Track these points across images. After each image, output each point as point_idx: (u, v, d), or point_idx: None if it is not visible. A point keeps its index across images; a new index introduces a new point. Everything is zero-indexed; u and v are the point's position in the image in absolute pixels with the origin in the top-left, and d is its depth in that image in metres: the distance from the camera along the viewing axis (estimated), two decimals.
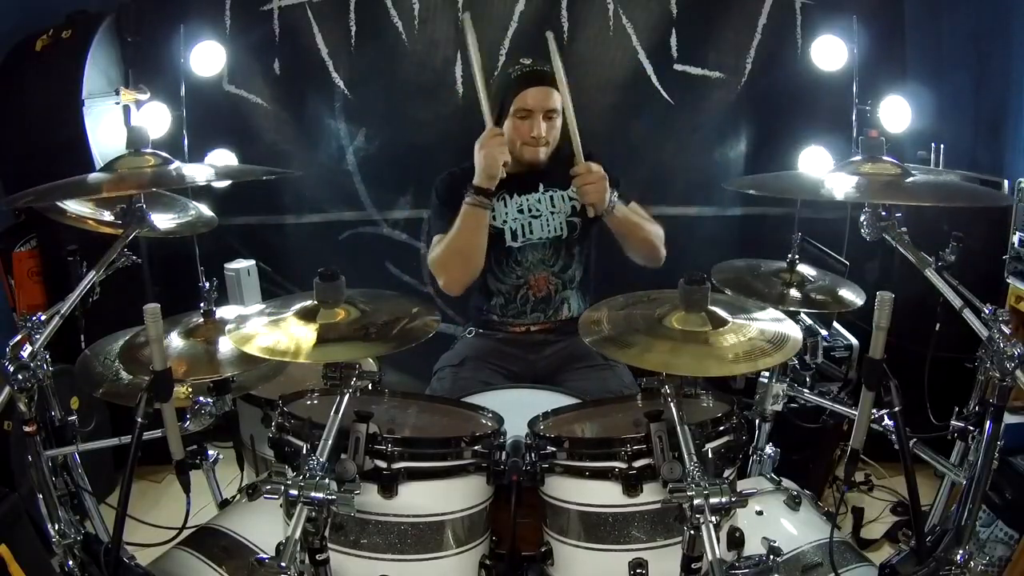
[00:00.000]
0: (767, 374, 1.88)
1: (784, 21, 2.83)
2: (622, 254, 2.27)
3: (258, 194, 2.95)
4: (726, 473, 1.40)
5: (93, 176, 1.62)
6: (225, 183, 2.69)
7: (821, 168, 2.69)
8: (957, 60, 2.85)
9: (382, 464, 1.33)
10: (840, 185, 1.55)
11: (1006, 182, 2.42)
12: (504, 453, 1.46)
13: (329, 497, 1.19)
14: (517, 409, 1.57)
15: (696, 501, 1.20)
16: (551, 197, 2.26)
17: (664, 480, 1.25)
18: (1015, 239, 2.25)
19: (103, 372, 1.77)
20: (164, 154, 1.63)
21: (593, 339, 1.47)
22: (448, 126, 2.83)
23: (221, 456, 1.84)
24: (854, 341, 2.46)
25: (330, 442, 1.28)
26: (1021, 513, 1.99)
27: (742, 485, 1.57)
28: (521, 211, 2.24)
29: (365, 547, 1.35)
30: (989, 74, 2.72)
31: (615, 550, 1.37)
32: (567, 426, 1.58)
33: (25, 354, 1.41)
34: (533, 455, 1.44)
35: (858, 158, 1.61)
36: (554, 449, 1.41)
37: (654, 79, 2.86)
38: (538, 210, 2.25)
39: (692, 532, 1.22)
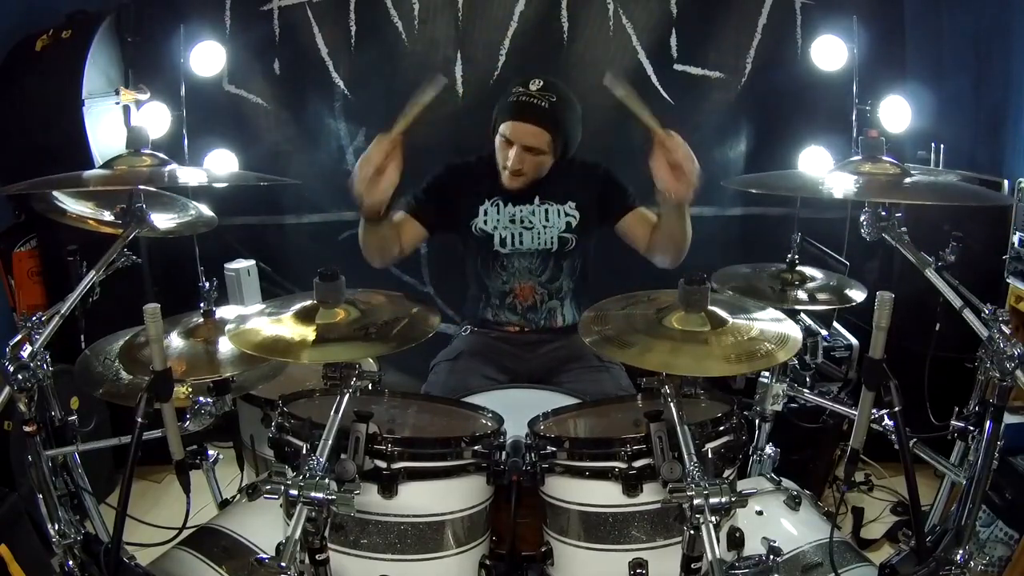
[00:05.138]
0: (767, 374, 1.88)
1: (784, 21, 2.83)
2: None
3: (258, 194, 2.95)
4: (726, 473, 1.40)
5: (88, 172, 1.63)
6: (224, 184, 2.69)
7: (821, 168, 2.69)
8: (957, 60, 2.84)
9: (382, 464, 1.33)
10: (839, 184, 1.55)
11: (1006, 182, 2.42)
12: (504, 453, 1.46)
13: (329, 497, 1.19)
14: (517, 409, 1.57)
15: (696, 501, 1.20)
16: (546, 211, 2.19)
17: (664, 480, 1.25)
18: (1015, 239, 2.25)
19: (103, 372, 1.76)
20: (162, 155, 1.64)
21: (593, 339, 1.47)
22: (448, 126, 2.83)
23: (221, 456, 1.85)
24: (854, 341, 2.46)
25: (330, 442, 1.28)
26: (1021, 513, 1.99)
27: (742, 485, 1.57)
28: (513, 220, 2.18)
29: (365, 547, 1.35)
30: (989, 74, 2.72)
31: (615, 550, 1.37)
32: (567, 426, 1.58)
33: (25, 354, 1.41)
34: (533, 455, 1.44)
35: (858, 158, 1.61)
36: (554, 449, 1.40)
37: (654, 79, 2.86)
38: (531, 222, 2.18)
39: (692, 532, 1.22)
